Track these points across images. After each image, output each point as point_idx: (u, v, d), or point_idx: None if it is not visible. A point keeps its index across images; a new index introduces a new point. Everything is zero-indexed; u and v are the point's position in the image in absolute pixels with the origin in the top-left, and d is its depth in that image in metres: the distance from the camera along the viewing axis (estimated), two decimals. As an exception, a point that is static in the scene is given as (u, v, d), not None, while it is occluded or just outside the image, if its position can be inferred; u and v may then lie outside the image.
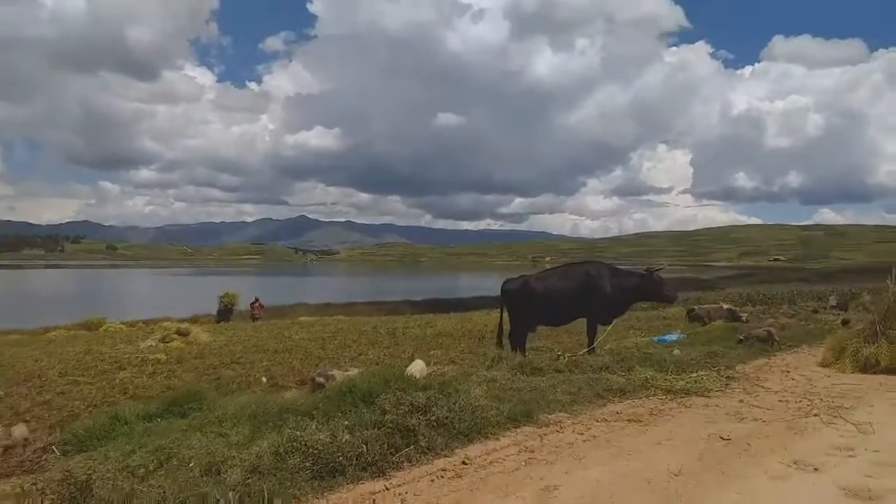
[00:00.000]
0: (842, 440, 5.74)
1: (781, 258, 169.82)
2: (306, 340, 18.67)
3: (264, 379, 12.80)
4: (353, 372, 8.72)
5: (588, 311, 10.74)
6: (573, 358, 9.77)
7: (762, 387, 8.26)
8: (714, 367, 9.44)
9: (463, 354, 14.07)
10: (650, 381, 8.07)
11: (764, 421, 6.46)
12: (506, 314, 11.31)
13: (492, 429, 6.00)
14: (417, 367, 8.85)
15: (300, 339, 18.88)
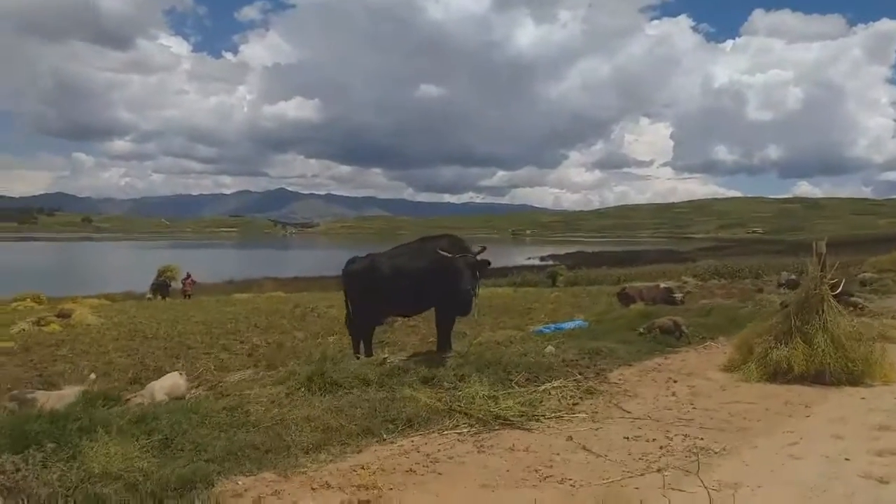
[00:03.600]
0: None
1: (759, 230, 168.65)
2: (203, 325, 16.69)
3: (93, 375, 10.66)
4: (71, 391, 6.33)
5: (440, 298, 8.37)
6: (398, 362, 7.48)
7: (623, 408, 6.00)
8: (581, 374, 7.20)
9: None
10: (466, 403, 5.76)
11: (572, 484, 4.17)
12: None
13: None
14: (163, 385, 6.51)
15: (198, 322, 17.02)
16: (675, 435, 5.14)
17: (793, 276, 18.53)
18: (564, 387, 6.61)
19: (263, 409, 5.68)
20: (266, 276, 46.85)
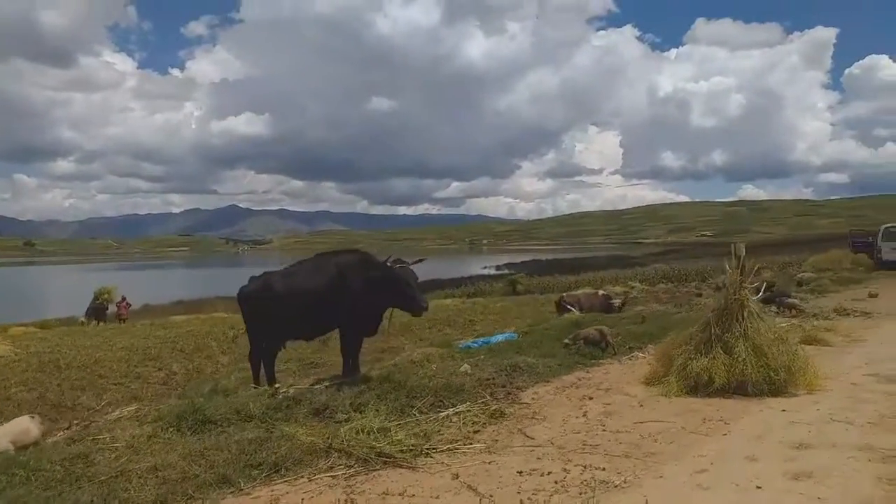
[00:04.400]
0: None
1: (708, 234, 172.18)
2: (127, 351, 15.71)
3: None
4: None
5: (341, 318, 7.71)
6: (293, 392, 6.81)
7: (526, 434, 5.43)
8: (492, 395, 6.62)
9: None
10: (349, 439, 5.10)
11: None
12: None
13: None
14: (8, 432, 5.71)
15: (122, 349, 15.97)
16: (576, 465, 4.58)
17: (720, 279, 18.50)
18: (469, 411, 6.02)
19: (114, 456, 4.94)
20: (217, 295, 45.35)
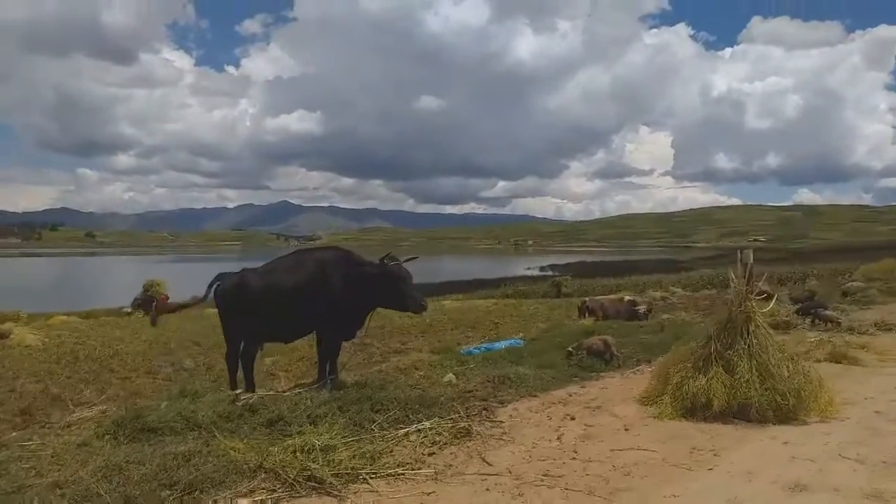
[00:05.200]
0: None
1: (761, 238, 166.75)
2: (148, 343, 15.89)
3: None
4: None
5: (320, 319, 7.25)
6: (256, 399, 6.36)
7: (486, 459, 4.85)
8: (466, 411, 6.05)
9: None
10: (284, 457, 4.60)
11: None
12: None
13: None
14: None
15: (145, 342, 16.26)
16: (526, 502, 3.99)
17: (764, 287, 17.42)
18: (432, 429, 5.47)
19: (30, 467, 4.56)
20: None
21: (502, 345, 10.14)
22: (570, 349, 8.55)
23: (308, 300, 7.04)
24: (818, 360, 8.36)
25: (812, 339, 9.07)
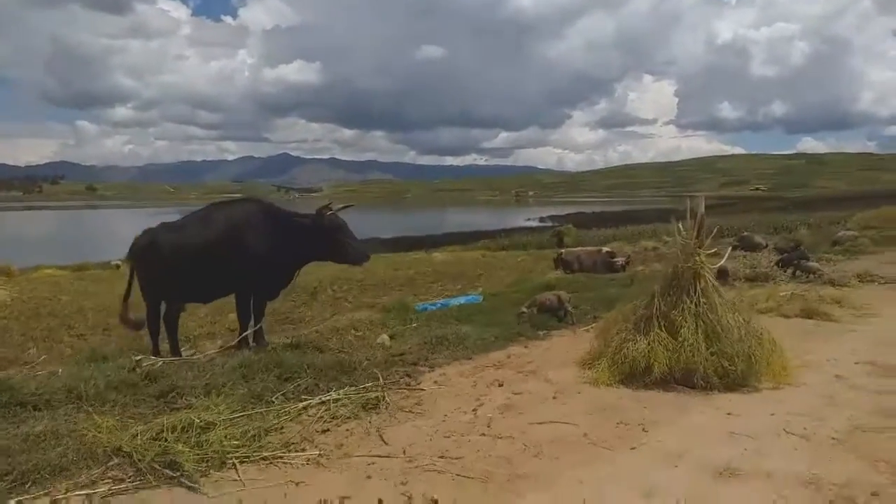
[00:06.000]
0: None
1: (762, 187, 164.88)
2: (117, 299, 15.28)
3: None
4: None
5: (236, 278, 6.64)
6: (160, 365, 5.80)
7: (383, 437, 4.28)
8: (386, 377, 5.48)
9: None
10: (147, 440, 4.04)
11: None
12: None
13: None
14: None
15: (113, 297, 15.50)
16: (404, 493, 3.43)
17: (745, 234, 16.76)
18: (339, 400, 4.90)
19: None
20: None
21: (459, 300, 9.56)
22: (523, 309, 7.94)
23: (220, 259, 6.43)
24: (788, 316, 7.79)
25: (783, 294, 8.45)
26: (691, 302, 5.18)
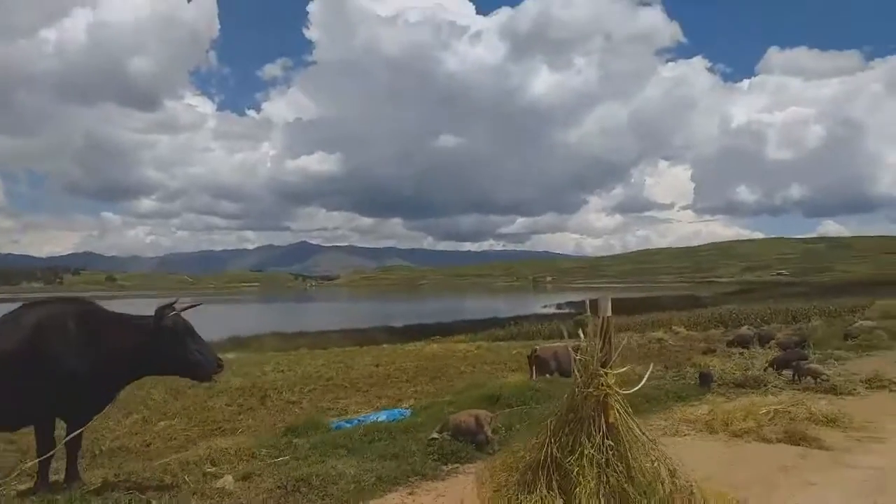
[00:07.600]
0: None
1: (784, 272, 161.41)
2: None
3: None
4: None
5: (41, 398, 5.18)
6: None
7: None
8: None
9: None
10: None
11: None
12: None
13: None
14: None
15: None
16: None
17: (748, 331, 14.90)
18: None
19: None
20: (273, 330, 44.37)
21: (381, 417, 7.99)
22: (434, 435, 6.38)
23: (19, 374, 5.00)
24: (769, 441, 6.15)
25: (764, 411, 6.78)
26: (592, 446, 3.64)
